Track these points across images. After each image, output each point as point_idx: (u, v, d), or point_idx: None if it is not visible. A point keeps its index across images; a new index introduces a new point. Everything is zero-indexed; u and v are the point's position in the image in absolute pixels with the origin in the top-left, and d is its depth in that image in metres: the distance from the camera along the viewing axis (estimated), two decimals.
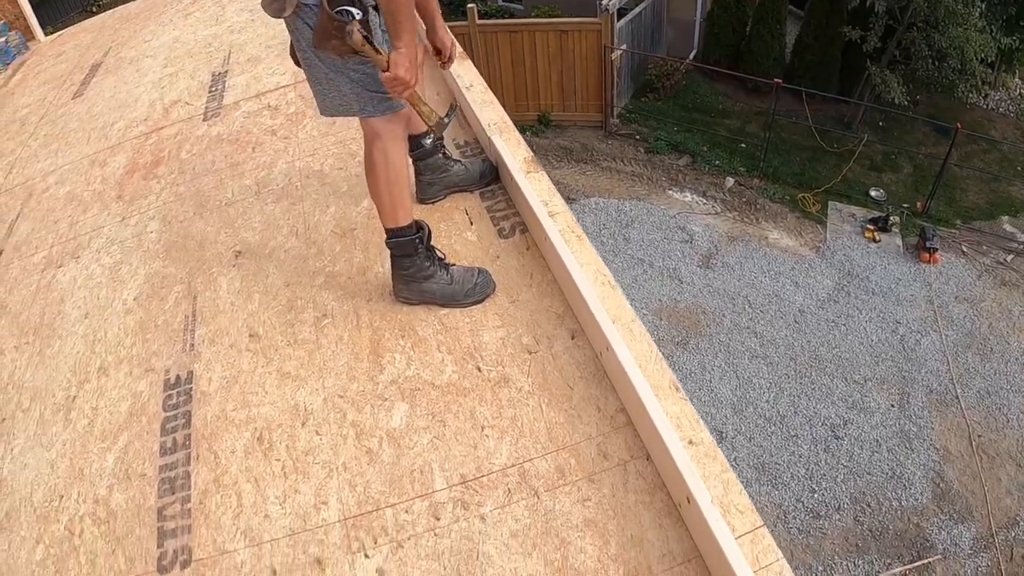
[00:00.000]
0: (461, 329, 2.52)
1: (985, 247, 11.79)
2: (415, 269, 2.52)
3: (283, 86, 4.62)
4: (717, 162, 13.23)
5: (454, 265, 2.62)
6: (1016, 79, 15.73)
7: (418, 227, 2.53)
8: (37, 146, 5.00)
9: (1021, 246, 11.87)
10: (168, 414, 2.48)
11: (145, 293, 3.10)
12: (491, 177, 3.09)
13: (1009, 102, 15.67)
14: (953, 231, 12.05)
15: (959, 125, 11.94)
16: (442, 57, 2.82)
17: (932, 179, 12.61)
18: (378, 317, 2.62)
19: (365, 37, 2.16)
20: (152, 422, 2.47)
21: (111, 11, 8.26)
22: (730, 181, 12.86)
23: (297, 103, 4.32)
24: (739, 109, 14.56)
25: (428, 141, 2.59)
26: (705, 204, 12.45)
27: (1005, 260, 11.52)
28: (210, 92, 4.82)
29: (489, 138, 3.16)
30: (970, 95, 13.64)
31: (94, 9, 22.85)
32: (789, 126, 13.52)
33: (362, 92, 2.34)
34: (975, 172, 13.17)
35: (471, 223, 2.94)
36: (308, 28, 2.25)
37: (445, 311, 2.57)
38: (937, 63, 12.64)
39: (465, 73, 3.77)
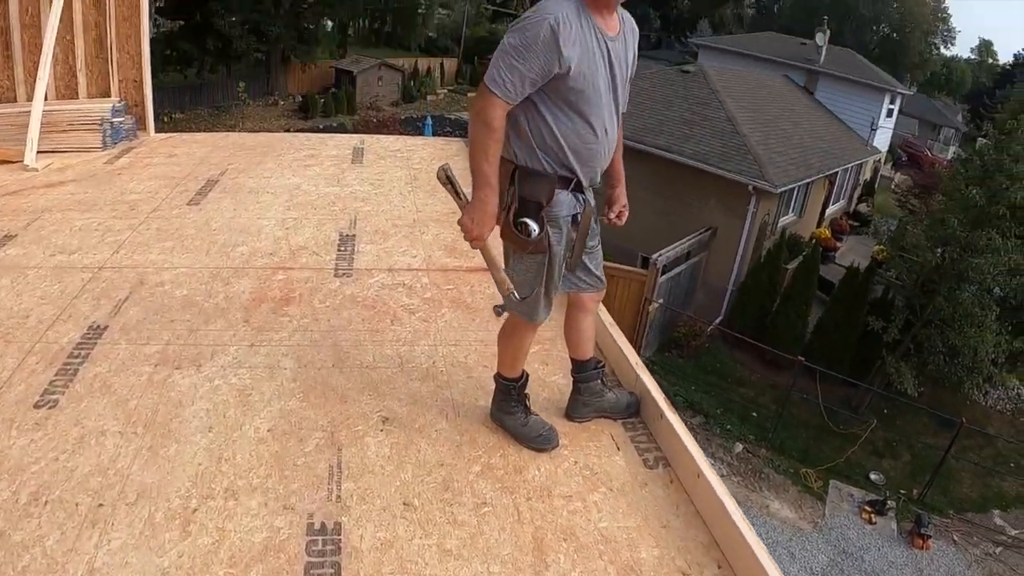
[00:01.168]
0: (620, 543, 2.58)
1: (976, 538, 12.26)
2: (504, 404, 3.04)
3: (415, 268, 4.80)
4: (728, 427, 13.87)
5: (535, 415, 3.07)
6: (1014, 379, 16.89)
7: (520, 377, 3.02)
8: (149, 236, 5.09)
9: (1010, 539, 12.39)
10: (313, 560, 2.39)
11: (281, 428, 3.06)
12: (634, 410, 3.33)
13: (1007, 400, 17.04)
14: (946, 520, 12.56)
15: (964, 420, 12.73)
16: (611, 210, 3.06)
17: (929, 468, 13.33)
18: (539, 517, 2.65)
19: (449, 180, 2.68)
20: (293, 563, 2.37)
21: (224, 134, 8.69)
22: (739, 447, 13.42)
23: (432, 289, 4.48)
24: (754, 380, 15.48)
25: (498, 308, 2.92)
26: (712, 465, 12.79)
27: (994, 552, 12.03)
28: (339, 250, 4.98)
29: (637, 374, 3.44)
30: (973, 391, 14.82)
31: (165, 120, 23.90)
32: (800, 402, 14.29)
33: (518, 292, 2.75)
34: (971, 464, 13.90)
35: (618, 448, 3.12)
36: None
37: (604, 523, 2.67)
38: (948, 359, 13.73)
39: (602, 310, 3.98)
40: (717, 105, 19.72)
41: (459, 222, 2.57)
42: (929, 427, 14.95)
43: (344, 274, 4.62)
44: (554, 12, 2.48)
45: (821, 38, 28.70)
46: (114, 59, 7.95)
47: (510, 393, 3.02)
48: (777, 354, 14.81)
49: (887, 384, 14.44)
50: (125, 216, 5.49)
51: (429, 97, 41.40)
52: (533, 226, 2.59)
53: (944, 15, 61.30)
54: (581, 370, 3.16)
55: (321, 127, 32.41)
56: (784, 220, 20.03)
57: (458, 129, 34.20)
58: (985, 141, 16.64)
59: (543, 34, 2.44)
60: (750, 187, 17.13)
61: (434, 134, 28.20)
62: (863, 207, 27.61)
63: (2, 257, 4.66)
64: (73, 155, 7.11)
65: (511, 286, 2.71)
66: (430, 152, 7.96)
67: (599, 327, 3.89)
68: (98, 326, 3.84)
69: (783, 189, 17.91)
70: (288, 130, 30.82)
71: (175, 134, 8.64)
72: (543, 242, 2.64)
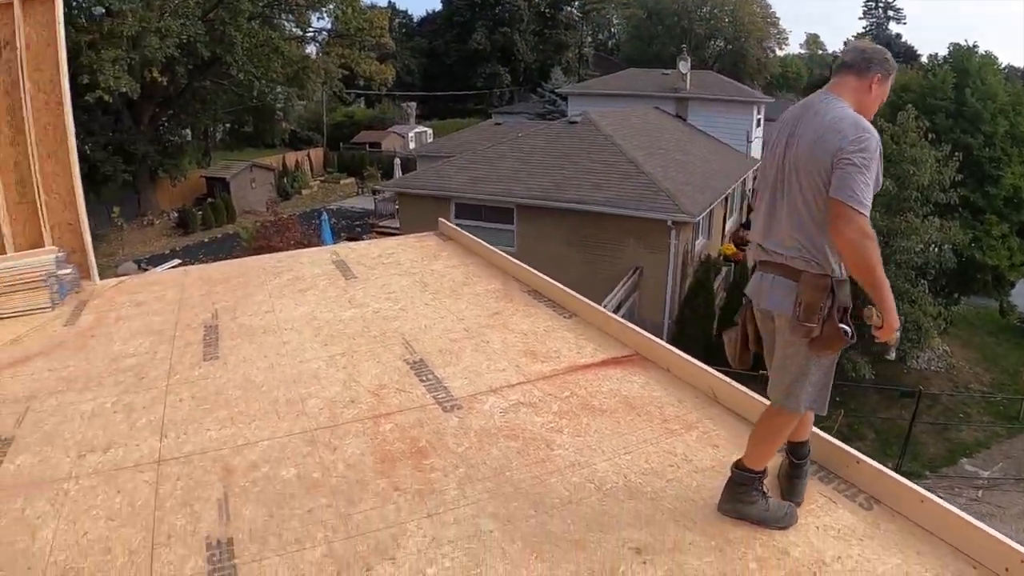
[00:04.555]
0: None
1: (957, 489, 13.38)
2: (743, 495, 2.97)
3: (516, 383, 4.39)
4: None
5: (771, 497, 3.03)
6: (939, 341, 18.88)
7: (765, 469, 3.01)
8: (189, 409, 4.37)
9: (986, 482, 13.70)
10: None
11: None
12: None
13: (936, 360, 19.07)
14: (927, 481, 13.51)
15: (921, 389, 14.18)
16: None
17: (894, 439, 14.58)
18: None
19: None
20: None
21: (183, 270, 7.91)
22: None
23: (554, 402, 4.12)
24: None
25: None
26: None
27: (977, 496, 13.13)
28: (424, 382, 4.48)
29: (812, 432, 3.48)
30: (912, 360, 16.70)
31: None
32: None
33: (811, 391, 2.88)
34: (927, 426, 15.29)
35: (834, 503, 3.16)
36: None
37: (880, 570, 2.76)
38: None
39: None
40: (614, 149, 19.93)
41: (885, 336, 2.69)
42: (881, 403, 16.14)
43: (454, 407, 4.13)
44: (870, 126, 2.68)
45: (684, 65, 29.78)
46: (42, 202, 6.95)
47: (752, 484, 2.99)
48: (735, 373, 15.33)
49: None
50: (138, 388, 4.70)
51: (304, 191, 40.61)
52: (850, 330, 2.72)
53: (773, 19, 65.16)
54: (801, 450, 3.22)
55: (207, 240, 31.17)
56: (698, 245, 20.35)
57: (343, 219, 33.57)
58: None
59: (879, 149, 2.64)
60: (669, 222, 17.33)
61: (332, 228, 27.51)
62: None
63: (15, 472, 3.70)
64: (19, 321, 6.14)
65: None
66: (412, 253, 7.49)
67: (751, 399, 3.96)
68: (218, 541, 3.12)
69: (700, 217, 18.18)
70: (173, 249, 29.51)
71: (125, 278, 7.78)
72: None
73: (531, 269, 6.21)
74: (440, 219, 8.38)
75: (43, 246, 6.97)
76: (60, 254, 6.86)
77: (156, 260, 26.47)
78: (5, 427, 4.22)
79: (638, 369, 4.56)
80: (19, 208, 6.94)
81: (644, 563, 2.80)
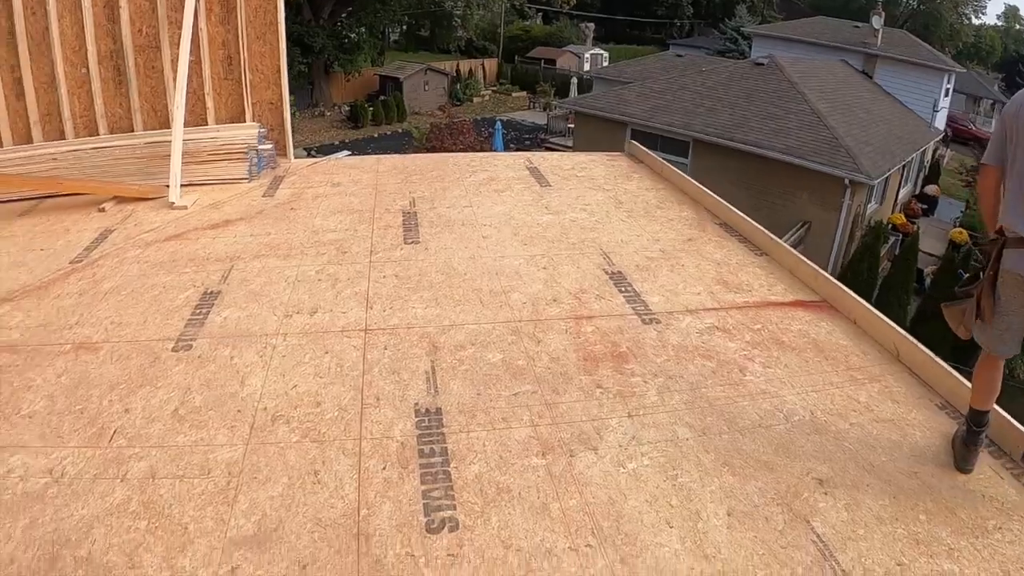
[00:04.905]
0: None
1: None
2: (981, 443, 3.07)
3: (710, 308, 4.43)
4: None
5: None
6: None
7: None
8: (393, 286, 4.60)
9: None
10: None
11: (739, 510, 2.78)
12: None
13: None
14: None
15: None
16: None
17: None
18: (997, 554, 2.68)
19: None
20: None
21: (376, 158, 8.18)
22: None
23: (745, 332, 4.16)
24: None
25: None
26: None
27: None
28: (622, 292, 4.58)
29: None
30: None
31: None
32: None
33: None
34: None
35: (1000, 477, 3.11)
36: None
37: None
38: None
39: None
40: (798, 97, 19.14)
41: None
42: None
43: (652, 320, 4.22)
44: None
45: (877, 21, 27.90)
46: (247, 80, 7.34)
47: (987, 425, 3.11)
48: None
49: None
50: (341, 261, 4.95)
51: (475, 99, 41.00)
52: None
53: None
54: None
55: (376, 135, 32.04)
56: (869, 208, 19.47)
57: (513, 130, 33.70)
58: None
59: None
60: (846, 180, 16.60)
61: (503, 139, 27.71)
62: (930, 189, 26.97)
63: (222, 323, 4.04)
64: (217, 189, 6.53)
65: None
66: (604, 170, 7.51)
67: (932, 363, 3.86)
68: (427, 410, 3.29)
69: (877, 180, 17.33)
70: (343, 140, 30.47)
71: (319, 159, 8.14)
72: None
73: (725, 203, 6.14)
74: (631, 141, 8.36)
75: (244, 121, 7.38)
76: (262, 130, 7.25)
77: (326, 150, 27.37)
78: (211, 281, 4.59)
79: (825, 315, 4.52)
80: (224, 84, 7.35)
81: (825, 494, 2.89)
